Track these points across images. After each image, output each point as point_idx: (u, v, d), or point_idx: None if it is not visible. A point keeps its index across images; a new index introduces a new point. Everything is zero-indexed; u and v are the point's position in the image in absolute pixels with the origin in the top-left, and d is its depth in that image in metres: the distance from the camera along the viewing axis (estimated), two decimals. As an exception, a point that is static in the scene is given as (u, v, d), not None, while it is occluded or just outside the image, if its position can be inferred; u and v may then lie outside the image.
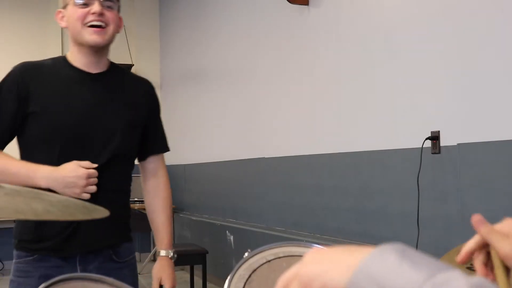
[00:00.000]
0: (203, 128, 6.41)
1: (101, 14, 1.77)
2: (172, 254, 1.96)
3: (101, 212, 1.01)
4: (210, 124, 6.19)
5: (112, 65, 1.95)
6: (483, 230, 0.79)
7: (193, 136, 6.71)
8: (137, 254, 7.54)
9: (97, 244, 1.81)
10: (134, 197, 8.27)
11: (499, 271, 0.76)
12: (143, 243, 7.58)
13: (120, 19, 1.88)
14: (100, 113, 1.81)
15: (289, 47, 4.57)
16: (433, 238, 3.05)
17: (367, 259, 0.48)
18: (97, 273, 1.76)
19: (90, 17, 1.77)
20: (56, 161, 1.73)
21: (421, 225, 3.11)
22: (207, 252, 4.90)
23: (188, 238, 6.46)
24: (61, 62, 1.87)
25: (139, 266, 8.12)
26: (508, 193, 2.68)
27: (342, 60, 3.92)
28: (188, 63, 6.95)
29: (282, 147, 4.68)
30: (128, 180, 1.95)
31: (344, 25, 3.91)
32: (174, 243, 6.65)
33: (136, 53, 7.76)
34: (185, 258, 4.92)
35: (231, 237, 5.29)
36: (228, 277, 1.15)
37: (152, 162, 2.03)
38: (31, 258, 1.79)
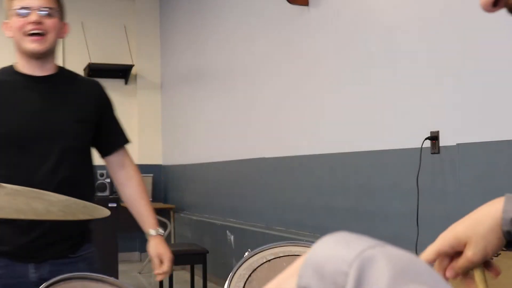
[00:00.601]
0: (203, 128, 6.41)
1: (39, 23, 1.85)
2: (160, 231, 2.07)
3: (101, 212, 1.01)
4: (210, 124, 6.19)
5: (60, 69, 2.03)
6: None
7: (193, 136, 6.71)
8: (137, 254, 7.55)
9: (52, 251, 1.88)
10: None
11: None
12: (143, 243, 7.55)
13: (64, 25, 1.96)
14: (47, 112, 1.89)
15: (289, 47, 4.58)
16: (433, 238, 3.04)
17: (310, 253, 0.49)
18: (50, 268, 1.83)
19: (29, 26, 1.85)
20: (10, 162, 1.84)
21: (421, 225, 3.12)
22: (207, 252, 4.91)
23: (188, 238, 6.46)
24: (8, 70, 1.97)
25: (139, 266, 8.12)
26: (508, 193, 2.68)
27: (342, 60, 3.92)
28: (188, 63, 6.96)
29: (282, 147, 4.68)
30: (87, 177, 2.00)
31: (344, 25, 3.91)
32: (175, 243, 6.66)
33: (136, 53, 7.76)
34: (185, 258, 4.92)
35: (231, 237, 5.29)
36: (228, 277, 1.15)
37: (116, 156, 2.08)
38: None
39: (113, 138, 2.09)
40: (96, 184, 5.58)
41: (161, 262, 2.00)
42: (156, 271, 2.01)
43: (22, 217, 0.90)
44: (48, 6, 1.87)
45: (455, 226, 0.80)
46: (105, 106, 2.07)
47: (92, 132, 1.99)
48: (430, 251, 0.81)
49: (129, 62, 7.59)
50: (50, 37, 1.88)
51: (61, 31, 1.94)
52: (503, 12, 0.83)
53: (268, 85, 4.95)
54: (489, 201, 3.06)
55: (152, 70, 7.86)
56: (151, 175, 7.39)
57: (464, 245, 0.80)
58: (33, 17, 1.84)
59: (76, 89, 1.99)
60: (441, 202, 3.07)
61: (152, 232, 2.05)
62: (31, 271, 1.84)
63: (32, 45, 1.86)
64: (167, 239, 6.81)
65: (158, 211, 7.10)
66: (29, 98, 1.90)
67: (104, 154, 2.08)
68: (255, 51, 5.18)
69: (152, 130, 7.75)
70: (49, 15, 1.87)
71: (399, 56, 3.40)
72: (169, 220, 6.93)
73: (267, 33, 4.94)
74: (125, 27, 7.79)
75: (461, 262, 0.81)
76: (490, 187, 2.78)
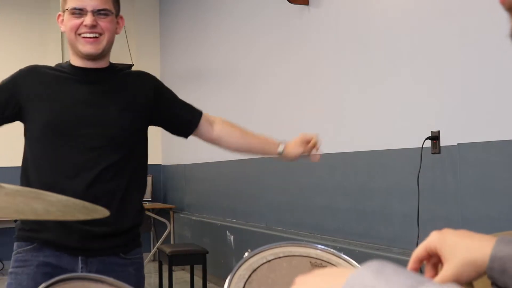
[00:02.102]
0: (203, 128, 6.40)
1: (93, 26, 1.78)
2: (283, 142, 2.11)
3: (101, 212, 1.01)
4: (210, 124, 6.19)
5: (111, 64, 1.97)
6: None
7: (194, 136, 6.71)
8: (137, 254, 7.55)
9: (102, 244, 1.80)
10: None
11: None
12: (143, 243, 7.57)
13: (120, 19, 1.90)
14: (93, 102, 1.83)
15: (289, 47, 4.57)
16: (433, 238, 3.05)
17: (347, 282, 0.49)
18: (98, 266, 1.77)
19: (83, 29, 1.78)
20: (55, 151, 1.78)
21: (421, 225, 3.11)
22: (207, 252, 4.91)
23: (188, 238, 6.46)
24: (64, 64, 1.92)
25: (139, 266, 7.96)
26: (508, 193, 2.68)
27: (342, 60, 3.92)
28: (188, 63, 6.96)
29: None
30: (134, 169, 1.89)
31: (344, 25, 3.91)
32: (175, 243, 6.66)
33: (136, 53, 7.76)
34: (185, 258, 4.92)
35: (231, 237, 5.29)
36: (228, 277, 1.15)
37: (203, 126, 2.03)
38: (30, 247, 1.79)
39: (188, 117, 2.02)
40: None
41: (308, 143, 2.09)
42: (313, 153, 2.14)
43: (21, 217, 0.89)
44: (103, 7, 1.79)
45: (448, 234, 0.79)
46: (159, 90, 2.00)
47: (142, 120, 1.92)
48: (421, 247, 0.81)
49: (128, 62, 7.59)
50: (105, 38, 1.82)
51: (117, 28, 1.88)
52: (503, 12, 0.83)
53: (268, 85, 4.95)
54: (489, 200, 3.06)
55: (151, 70, 7.81)
56: (151, 175, 7.38)
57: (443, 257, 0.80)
58: (88, 20, 1.76)
59: (125, 80, 1.93)
60: (442, 202, 3.07)
61: (281, 147, 2.09)
62: (81, 265, 1.76)
63: (85, 47, 1.80)
64: (167, 239, 6.82)
65: (158, 211, 7.10)
66: (78, 90, 1.83)
67: (189, 133, 2.04)
68: (255, 51, 5.18)
69: (152, 130, 7.70)
70: (104, 15, 1.80)
71: (399, 56, 3.40)
72: (169, 220, 6.93)
73: (267, 32, 4.94)
74: (124, 27, 7.77)
75: (437, 278, 0.81)
76: (490, 187, 2.78)
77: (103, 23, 1.80)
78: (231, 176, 5.66)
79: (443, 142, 3.08)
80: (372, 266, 0.50)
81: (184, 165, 6.98)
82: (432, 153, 3.12)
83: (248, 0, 5.32)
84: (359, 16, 3.75)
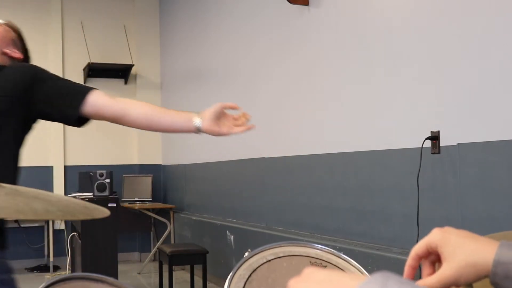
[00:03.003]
0: (203, 128, 6.40)
1: None
2: (197, 113, 1.82)
3: (101, 212, 1.01)
4: (210, 124, 6.19)
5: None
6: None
7: (193, 136, 6.69)
8: (137, 254, 7.55)
9: None
10: (134, 197, 8.26)
11: None
12: (143, 243, 7.58)
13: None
14: None
15: (289, 47, 4.58)
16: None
17: None
18: None
19: None
20: None
21: (421, 225, 3.11)
22: (207, 252, 4.91)
23: (188, 238, 6.46)
24: None
25: (139, 266, 8.06)
26: (508, 193, 2.69)
27: (342, 60, 3.92)
28: (188, 63, 6.96)
29: (282, 147, 4.68)
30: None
31: (344, 25, 3.91)
32: (175, 243, 6.66)
33: (136, 53, 7.76)
34: (185, 258, 4.93)
35: (231, 237, 5.29)
36: (228, 277, 1.15)
37: (91, 106, 1.82)
38: None
39: (70, 96, 1.83)
40: (96, 184, 5.57)
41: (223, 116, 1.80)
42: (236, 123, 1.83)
43: (21, 217, 0.89)
44: None
45: (452, 234, 0.78)
46: (35, 76, 1.85)
47: (13, 107, 1.79)
48: (421, 244, 0.80)
49: (128, 62, 7.60)
50: None
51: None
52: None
53: (268, 85, 4.95)
54: (489, 200, 3.05)
55: (151, 70, 7.86)
56: (151, 175, 7.39)
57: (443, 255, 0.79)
58: None
59: (5, 73, 1.85)
60: (442, 202, 3.07)
61: (197, 120, 1.79)
62: None
63: None
64: (167, 239, 6.82)
65: (158, 211, 7.10)
66: None
67: (75, 119, 1.82)
68: (255, 50, 5.18)
69: (152, 130, 7.73)
70: None
71: (399, 56, 3.40)
72: (169, 220, 6.93)
73: (267, 32, 4.94)
74: (124, 27, 7.79)
75: (435, 276, 0.80)
76: (490, 187, 2.78)
77: None
78: (231, 176, 5.66)
79: (443, 142, 3.08)
80: (377, 279, 0.49)
81: (184, 165, 6.98)
82: (432, 153, 3.12)
83: (248, 0, 5.32)
84: (359, 16, 3.75)
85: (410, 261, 0.81)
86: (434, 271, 0.80)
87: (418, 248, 0.80)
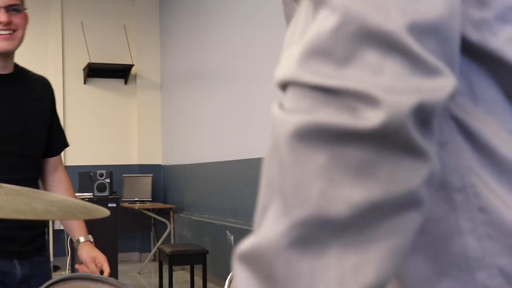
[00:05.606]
0: (203, 128, 6.41)
1: (8, 23, 1.76)
2: (90, 237, 2.00)
3: (101, 212, 1.01)
4: (210, 124, 6.19)
5: (16, 65, 1.94)
6: None
7: (193, 136, 6.71)
8: (137, 254, 7.55)
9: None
10: (134, 197, 8.26)
11: None
12: (143, 243, 7.58)
13: (26, 15, 1.88)
14: (13, 112, 1.83)
15: (289, 47, 4.57)
16: (433, 238, 3.04)
17: None
18: (30, 266, 1.84)
19: None
20: None
21: (421, 225, 3.11)
22: (207, 252, 4.91)
23: (188, 238, 6.46)
24: None
25: (139, 266, 8.09)
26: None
27: (342, 60, 3.92)
28: (188, 63, 6.96)
29: (282, 147, 4.67)
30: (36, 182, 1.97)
31: (344, 25, 3.90)
32: (175, 243, 6.67)
33: (136, 53, 7.76)
34: (185, 258, 4.93)
35: (231, 237, 5.29)
36: (228, 277, 1.15)
37: (54, 159, 2.04)
38: None
39: (58, 141, 2.03)
40: (96, 184, 5.58)
41: (97, 265, 1.93)
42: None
43: (22, 217, 0.89)
44: (15, 2, 1.78)
45: None
46: (54, 103, 2.01)
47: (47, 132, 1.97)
48: None
49: (128, 62, 7.60)
50: (19, 34, 1.80)
51: (26, 24, 1.86)
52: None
53: (268, 85, 4.95)
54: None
55: (151, 70, 7.86)
56: (151, 175, 7.39)
57: None
58: (2, 17, 1.73)
59: (33, 85, 1.93)
60: (442, 202, 3.06)
61: (82, 239, 1.99)
62: (18, 267, 1.82)
63: (1, 44, 1.76)
64: (167, 239, 6.82)
65: (158, 211, 7.10)
66: None
67: (44, 155, 1.99)
68: (255, 50, 5.18)
69: (152, 130, 7.75)
70: (16, 11, 1.78)
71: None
72: (169, 220, 6.93)
73: (267, 32, 4.94)
74: (124, 27, 7.79)
75: None
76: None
77: (16, 19, 1.78)
78: (231, 176, 5.66)
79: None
80: None
81: (184, 165, 6.98)
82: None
83: (248, 0, 5.32)
84: (359, 16, 3.74)
85: None
86: None
87: None
